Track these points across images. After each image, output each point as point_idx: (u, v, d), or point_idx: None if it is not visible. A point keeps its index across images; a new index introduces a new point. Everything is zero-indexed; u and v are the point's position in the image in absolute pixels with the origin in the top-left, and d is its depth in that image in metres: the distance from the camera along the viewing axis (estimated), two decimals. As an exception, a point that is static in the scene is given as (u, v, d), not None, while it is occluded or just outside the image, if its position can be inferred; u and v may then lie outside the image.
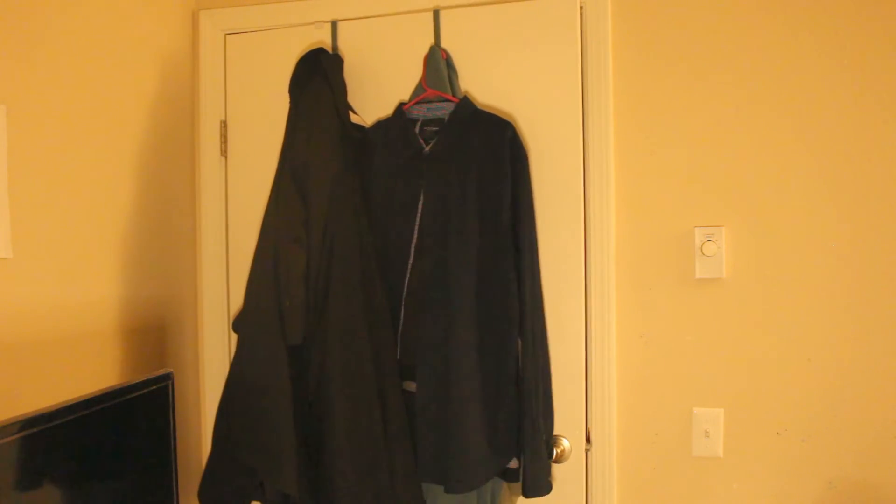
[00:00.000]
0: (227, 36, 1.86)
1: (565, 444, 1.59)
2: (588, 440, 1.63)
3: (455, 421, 1.41)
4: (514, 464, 1.48)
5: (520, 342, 1.47)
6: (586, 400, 1.62)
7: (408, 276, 1.51)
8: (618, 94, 1.64)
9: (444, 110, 1.56)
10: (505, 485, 1.55)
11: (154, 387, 1.41)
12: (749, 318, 1.57)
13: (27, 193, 1.34)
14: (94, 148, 1.54)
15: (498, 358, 1.45)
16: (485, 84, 1.64)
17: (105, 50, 1.57)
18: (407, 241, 1.52)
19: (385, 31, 1.71)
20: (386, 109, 1.63)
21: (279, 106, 1.59)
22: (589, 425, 1.63)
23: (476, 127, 1.52)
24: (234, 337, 1.54)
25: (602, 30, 1.63)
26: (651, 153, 1.63)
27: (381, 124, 1.62)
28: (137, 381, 1.36)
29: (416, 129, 1.57)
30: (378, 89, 1.69)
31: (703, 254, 1.58)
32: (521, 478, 1.46)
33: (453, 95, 1.58)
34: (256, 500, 1.50)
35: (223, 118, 1.86)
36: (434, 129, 1.56)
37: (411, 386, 1.49)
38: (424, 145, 1.55)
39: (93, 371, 1.52)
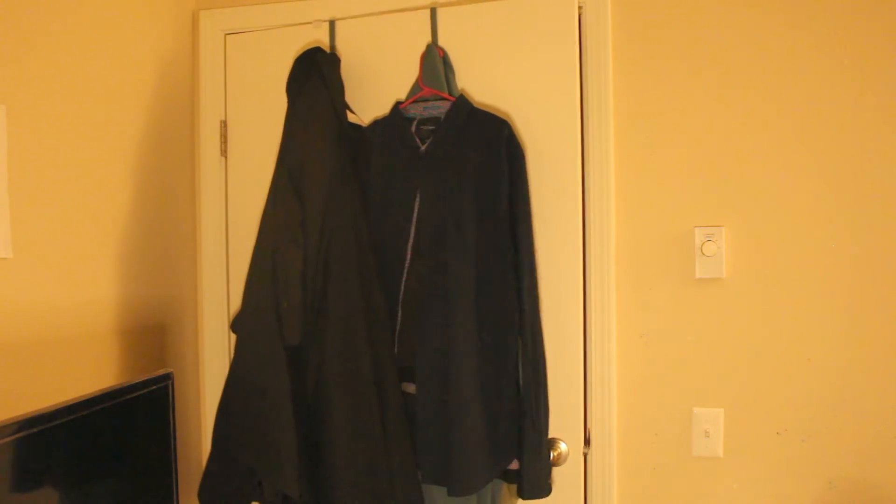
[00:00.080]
0: (227, 36, 1.86)
1: (562, 447, 1.58)
2: (587, 442, 1.63)
3: (455, 423, 1.41)
4: (514, 465, 1.48)
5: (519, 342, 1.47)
6: (585, 400, 1.62)
7: (405, 276, 1.51)
8: (618, 93, 1.64)
9: (441, 109, 1.55)
10: (505, 486, 1.54)
11: (154, 387, 1.41)
12: (749, 318, 1.57)
13: (27, 193, 1.35)
14: (94, 148, 1.54)
15: (497, 358, 1.45)
16: (482, 83, 1.64)
17: (105, 50, 1.57)
18: (404, 241, 1.52)
19: (382, 29, 1.71)
20: (383, 108, 1.63)
21: (279, 106, 1.59)
22: (588, 426, 1.63)
23: (472, 126, 1.52)
24: (234, 337, 1.54)
25: (602, 29, 1.63)
26: (651, 153, 1.63)
27: (377, 123, 1.62)
28: (137, 381, 1.36)
29: (413, 128, 1.57)
30: (376, 88, 1.69)
31: (703, 254, 1.58)
32: (521, 477, 1.46)
33: (450, 94, 1.58)
34: (256, 500, 1.50)
35: (223, 118, 1.86)
36: (430, 127, 1.56)
37: (409, 387, 1.48)
38: (420, 144, 1.55)
39: (93, 371, 1.52)
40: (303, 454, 1.42)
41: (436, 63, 1.58)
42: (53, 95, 1.42)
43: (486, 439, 1.42)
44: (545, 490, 1.46)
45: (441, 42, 1.65)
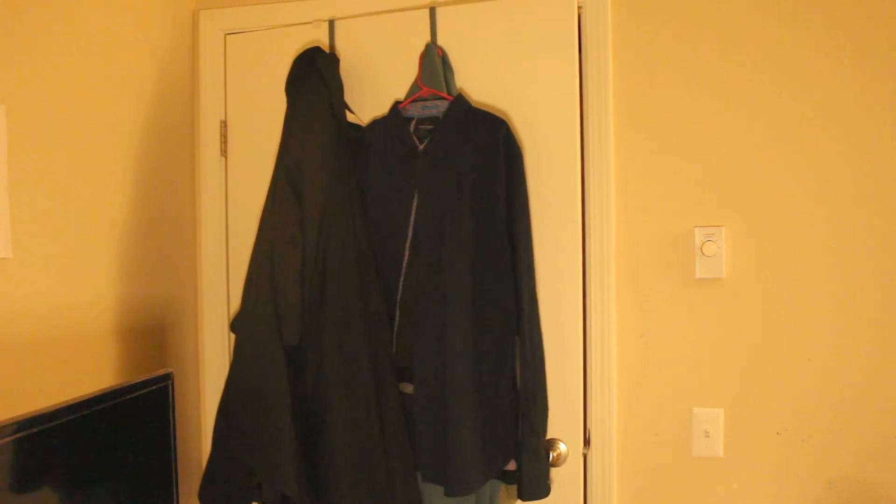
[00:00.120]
0: (227, 36, 1.86)
1: (562, 447, 1.58)
2: (587, 442, 1.62)
3: (452, 424, 1.41)
4: (511, 465, 1.48)
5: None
6: (585, 401, 1.62)
7: (402, 276, 1.51)
8: (618, 93, 1.64)
9: (439, 108, 1.55)
10: (503, 487, 1.54)
11: (154, 387, 1.41)
12: (749, 318, 1.57)
13: (27, 193, 1.35)
14: (94, 148, 1.54)
15: (495, 359, 1.45)
16: (482, 82, 1.63)
17: (105, 50, 1.57)
18: (402, 241, 1.52)
19: (382, 29, 1.71)
20: (383, 108, 1.63)
21: (279, 105, 1.59)
22: (588, 426, 1.63)
23: (470, 125, 1.52)
24: (235, 337, 1.54)
25: (601, 29, 1.63)
26: (651, 153, 1.63)
27: (377, 123, 1.62)
28: (137, 381, 1.36)
29: (411, 128, 1.57)
30: (375, 88, 1.69)
31: (703, 254, 1.58)
32: (520, 478, 1.46)
33: (449, 93, 1.58)
34: (256, 500, 1.50)
35: (223, 118, 1.86)
36: (428, 127, 1.56)
37: (408, 388, 1.48)
38: (419, 144, 1.55)
39: (93, 371, 1.52)
40: (301, 454, 1.42)
41: (435, 63, 1.58)
42: (53, 95, 1.42)
43: (482, 440, 1.42)
44: (544, 491, 1.46)
45: (440, 42, 1.65)
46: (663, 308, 1.62)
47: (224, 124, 1.86)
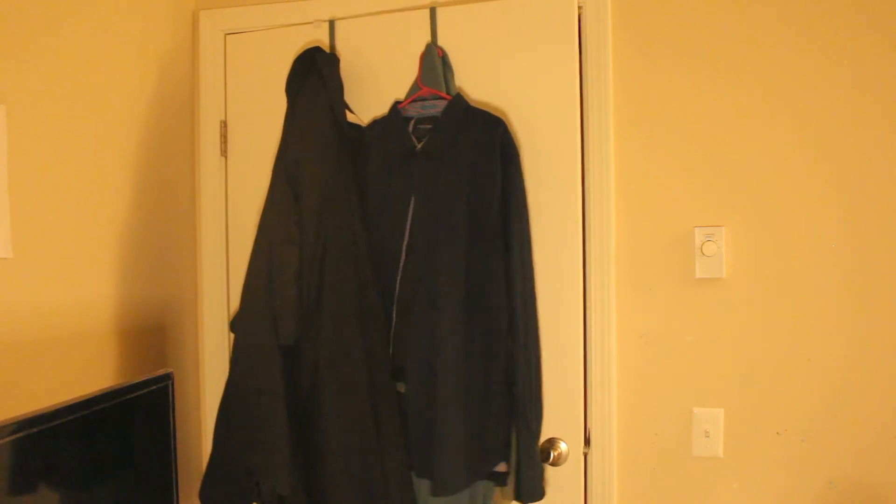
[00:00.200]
0: (227, 36, 1.86)
1: (562, 447, 1.58)
2: (587, 442, 1.62)
3: (439, 423, 1.41)
4: (501, 467, 1.47)
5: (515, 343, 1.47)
6: (585, 400, 1.62)
7: (399, 276, 1.51)
8: (617, 93, 1.64)
9: (438, 108, 1.55)
10: (498, 489, 1.54)
11: (154, 387, 1.41)
12: (749, 318, 1.57)
13: (27, 193, 1.35)
14: (95, 148, 1.54)
15: (486, 359, 1.45)
16: (482, 83, 1.63)
17: (105, 50, 1.57)
18: (400, 242, 1.52)
19: (382, 29, 1.71)
20: (383, 108, 1.63)
21: (279, 106, 1.59)
22: (588, 426, 1.63)
23: (468, 124, 1.52)
24: (234, 337, 1.54)
25: (601, 29, 1.63)
26: (651, 153, 1.63)
27: (376, 123, 1.62)
28: (137, 381, 1.36)
29: (410, 128, 1.57)
30: (375, 88, 1.69)
31: (703, 254, 1.58)
32: (514, 482, 1.45)
33: (449, 94, 1.58)
34: (256, 500, 1.50)
35: (223, 118, 1.86)
36: (427, 127, 1.56)
37: (404, 387, 1.49)
38: (417, 143, 1.55)
39: (93, 371, 1.52)
40: (296, 454, 1.42)
41: (435, 63, 1.58)
42: (53, 95, 1.42)
43: (471, 440, 1.42)
44: (539, 493, 1.46)
45: (440, 42, 1.65)
46: (663, 308, 1.62)
47: (224, 124, 1.86)
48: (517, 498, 1.45)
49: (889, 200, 1.50)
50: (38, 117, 1.38)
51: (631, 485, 1.64)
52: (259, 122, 1.80)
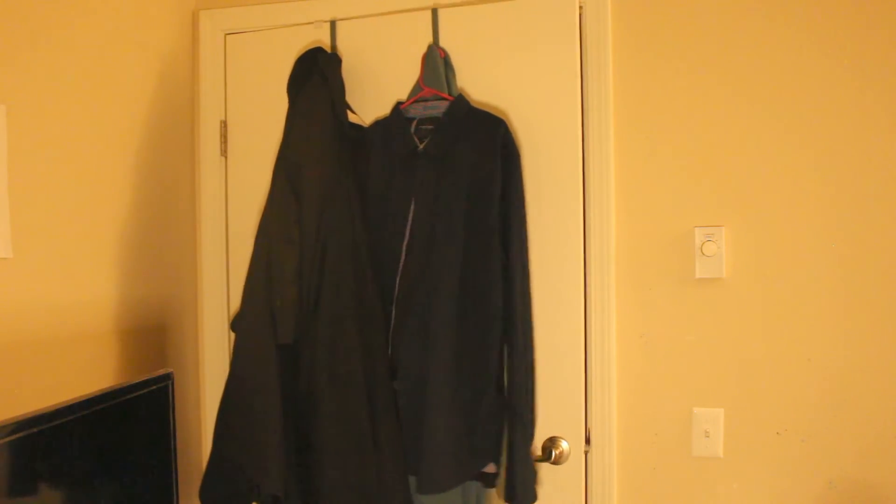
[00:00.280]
0: (227, 36, 1.86)
1: (564, 445, 1.58)
2: (587, 441, 1.63)
3: (427, 422, 1.41)
4: (490, 468, 1.47)
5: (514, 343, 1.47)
6: (586, 400, 1.62)
7: (399, 276, 1.51)
8: (618, 93, 1.64)
9: (440, 109, 1.55)
10: (493, 491, 1.53)
11: (154, 387, 1.41)
12: (749, 318, 1.57)
13: (27, 193, 1.35)
14: (95, 148, 1.54)
15: (479, 360, 1.45)
16: (483, 83, 1.64)
17: (105, 50, 1.57)
18: (399, 241, 1.52)
19: (384, 30, 1.71)
20: (385, 108, 1.63)
21: (279, 106, 1.59)
22: (588, 425, 1.63)
23: (470, 125, 1.52)
24: (234, 337, 1.54)
25: (602, 30, 1.63)
26: (651, 153, 1.63)
27: (378, 124, 1.62)
28: (137, 381, 1.36)
29: (412, 129, 1.57)
30: (377, 88, 1.69)
31: (703, 254, 1.58)
32: (505, 484, 1.45)
33: (451, 94, 1.58)
34: (256, 500, 1.50)
35: (223, 118, 1.86)
36: (429, 127, 1.56)
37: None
38: (419, 144, 1.55)
39: (93, 371, 1.52)
40: (291, 454, 1.42)
41: (437, 63, 1.59)
42: (53, 95, 1.42)
43: (459, 440, 1.42)
44: (531, 496, 1.47)
45: (442, 43, 1.65)
46: (663, 308, 1.62)
47: (224, 124, 1.86)
48: (508, 500, 1.45)
49: (889, 200, 1.50)
50: (38, 117, 1.38)
51: (631, 484, 1.64)
52: (259, 122, 1.80)
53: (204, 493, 1.50)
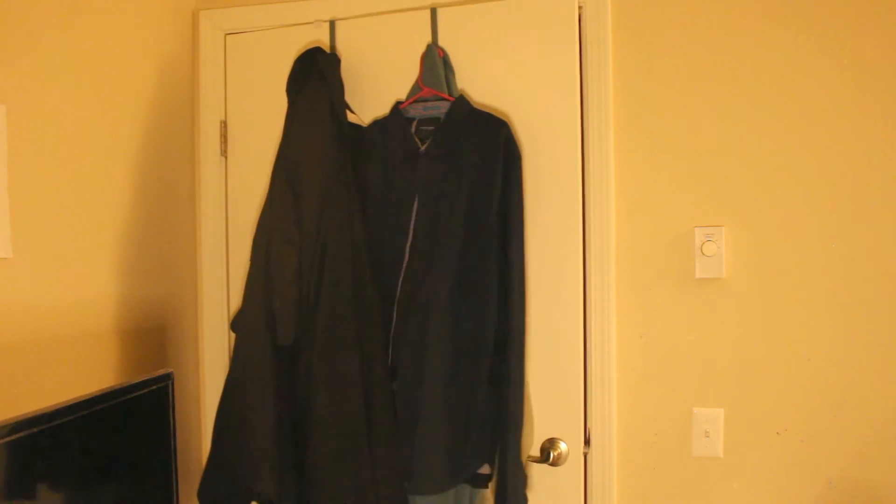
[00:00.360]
0: (227, 36, 1.86)
1: (562, 447, 1.58)
2: (587, 442, 1.62)
3: (420, 423, 1.41)
4: (485, 469, 1.47)
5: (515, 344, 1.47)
6: (585, 400, 1.62)
7: (401, 277, 1.51)
8: (617, 94, 1.64)
9: (441, 109, 1.55)
10: (486, 492, 1.53)
11: (154, 387, 1.41)
12: (749, 317, 1.57)
13: (27, 193, 1.35)
14: (94, 148, 1.54)
15: (473, 362, 1.44)
16: (482, 83, 1.63)
17: (105, 50, 1.57)
18: (403, 242, 1.52)
19: (383, 29, 1.71)
20: (384, 108, 1.63)
21: (279, 106, 1.59)
22: (588, 426, 1.63)
23: (471, 126, 1.52)
24: (235, 337, 1.54)
25: (602, 30, 1.63)
26: (651, 153, 1.63)
27: (377, 124, 1.62)
28: (137, 381, 1.36)
29: (413, 129, 1.57)
30: (376, 88, 1.69)
31: (703, 254, 1.58)
32: (497, 489, 1.45)
33: (450, 94, 1.58)
34: (256, 500, 1.50)
35: (223, 118, 1.86)
36: (430, 128, 1.56)
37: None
38: (420, 145, 1.55)
39: (93, 371, 1.52)
40: (287, 456, 1.41)
41: (436, 63, 1.59)
42: (53, 95, 1.42)
43: (452, 442, 1.42)
44: (522, 501, 1.47)
45: (441, 42, 1.65)
46: (663, 308, 1.62)
47: (224, 124, 1.86)
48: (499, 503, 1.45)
49: (889, 200, 1.50)
50: (39, 117, 1.38)
51: (631, 485, 1.64)
52: (259, 122, 1.80)
53: (202, 492, 1.50)
